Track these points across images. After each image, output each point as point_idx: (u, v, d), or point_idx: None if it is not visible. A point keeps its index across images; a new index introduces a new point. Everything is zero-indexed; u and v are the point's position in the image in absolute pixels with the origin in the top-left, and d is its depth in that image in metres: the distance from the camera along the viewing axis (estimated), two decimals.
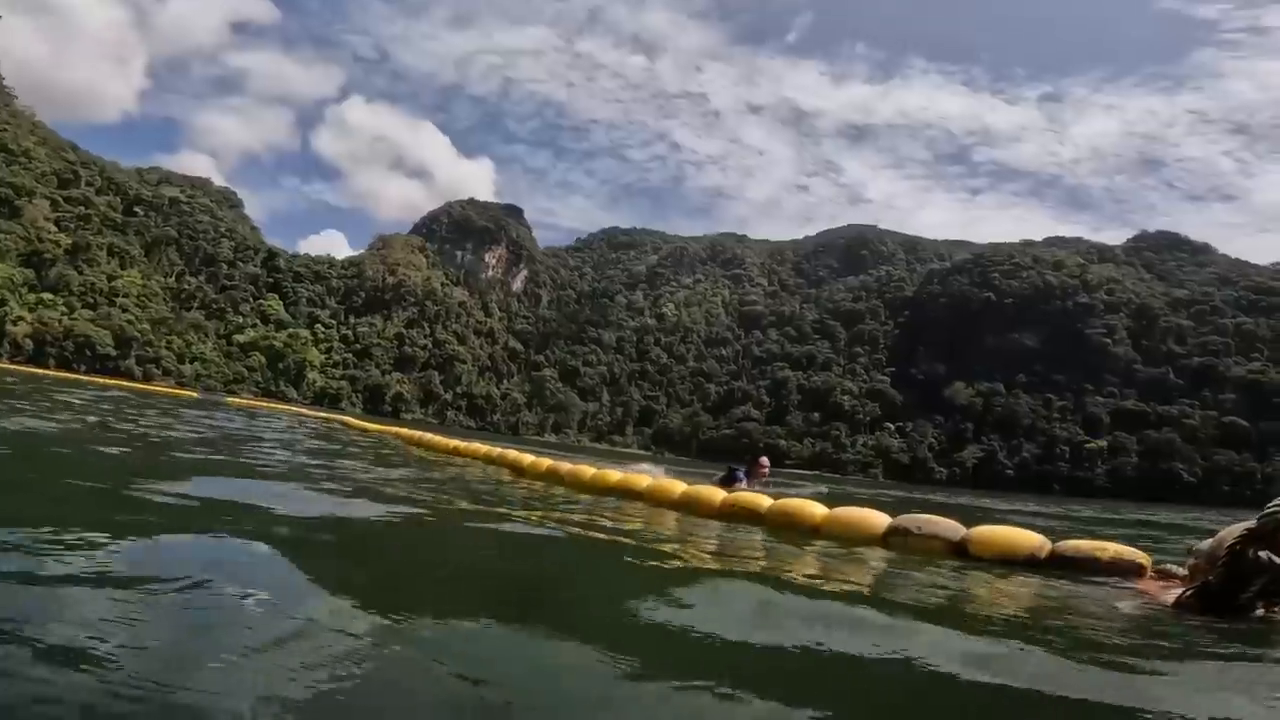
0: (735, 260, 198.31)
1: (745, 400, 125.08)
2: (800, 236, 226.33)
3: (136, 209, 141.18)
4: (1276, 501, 2.85)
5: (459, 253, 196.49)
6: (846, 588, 3.42)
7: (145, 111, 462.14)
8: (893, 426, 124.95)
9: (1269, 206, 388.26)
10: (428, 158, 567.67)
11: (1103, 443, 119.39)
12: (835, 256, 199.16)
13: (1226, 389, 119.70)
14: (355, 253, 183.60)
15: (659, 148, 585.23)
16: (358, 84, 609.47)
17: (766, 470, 11.23)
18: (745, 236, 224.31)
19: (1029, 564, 4.18)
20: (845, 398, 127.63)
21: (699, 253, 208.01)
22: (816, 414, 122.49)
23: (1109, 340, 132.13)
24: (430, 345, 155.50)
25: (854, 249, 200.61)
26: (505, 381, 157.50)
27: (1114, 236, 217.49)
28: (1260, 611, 2.94)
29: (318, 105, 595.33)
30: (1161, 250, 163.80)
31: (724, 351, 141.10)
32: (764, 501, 5.72)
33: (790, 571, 3.79)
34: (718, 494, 6.27)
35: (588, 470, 8.20)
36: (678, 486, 6.74)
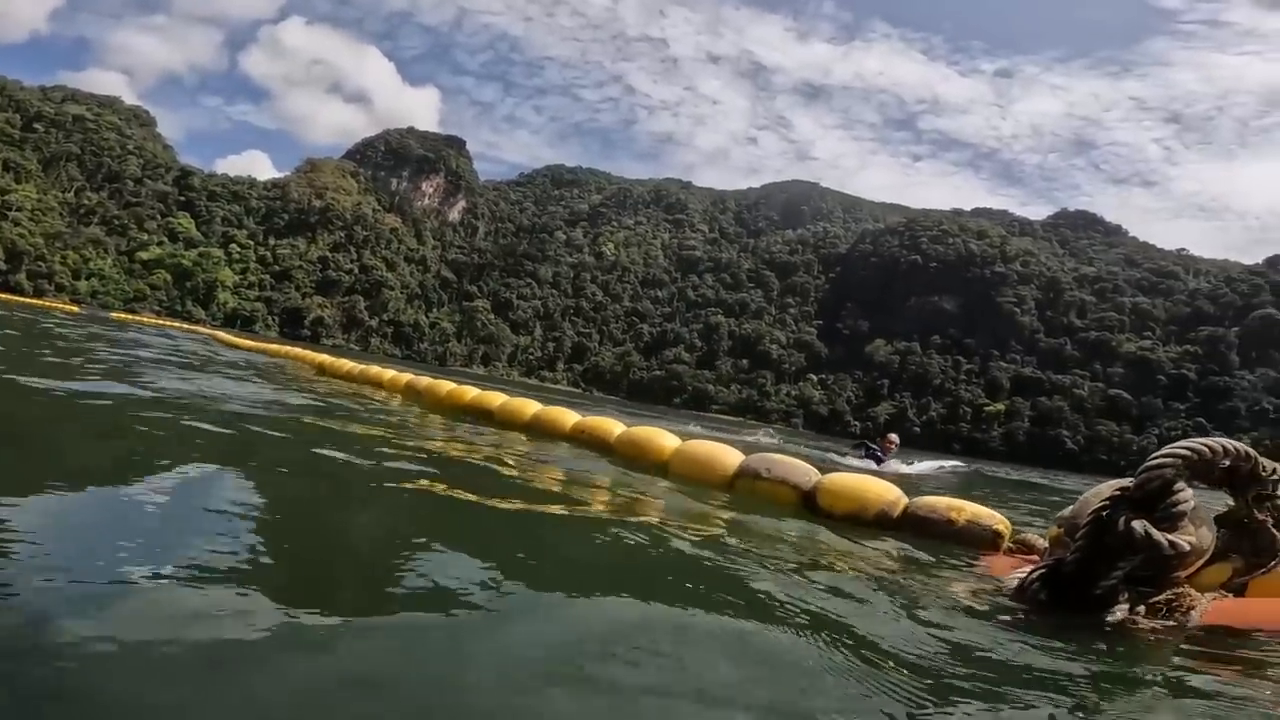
0: (678, 205, 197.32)
1: (677, 343, 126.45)
2: (744, 187, 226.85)
3: (36, 125, 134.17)
4: (1161, 454, 2.14)
5: (394, 180, 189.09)
6: (631, 553, 2.52)
7: (56, 31, 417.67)
8: (815, 378, 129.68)
9: (1185, 195, 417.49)
10: (370, 84, 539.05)
11: (1001, 406, 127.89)
12: (776, 209, 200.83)
13: (1116, 364, 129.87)
14: (280, 175, 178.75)
15: (613, 90, 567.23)
16: (299, 5, 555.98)
17: (895, 445, 12.72)
18: (690, 183, 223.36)
19: (880, 523, 3.74)
20: (774, 347, 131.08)
21: (643, 195, 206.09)
22: (745, 361, 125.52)
23: (1018, 309, 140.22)
24: (357, 270, 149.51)
25: (795, 204, 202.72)
26: (435, 310, 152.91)
27: (1037, 212, 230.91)
28: (1122, 611, 2.13)
29: (252, 26, 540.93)
30: (1078, 228, 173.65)
31: (660, 293, 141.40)
32: (614, 430, 5.38)
33: (595, 528, 2.94)
34: (569, 417, 5.93)
35: (444, 385, 7.96)
36: (529, 408, 6.41)
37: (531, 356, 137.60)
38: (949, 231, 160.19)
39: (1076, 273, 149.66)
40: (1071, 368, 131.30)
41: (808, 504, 3.96)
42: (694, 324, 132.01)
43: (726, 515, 3.62)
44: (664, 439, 4.99)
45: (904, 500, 3.80)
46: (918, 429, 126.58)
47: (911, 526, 3.67)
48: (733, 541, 2.91)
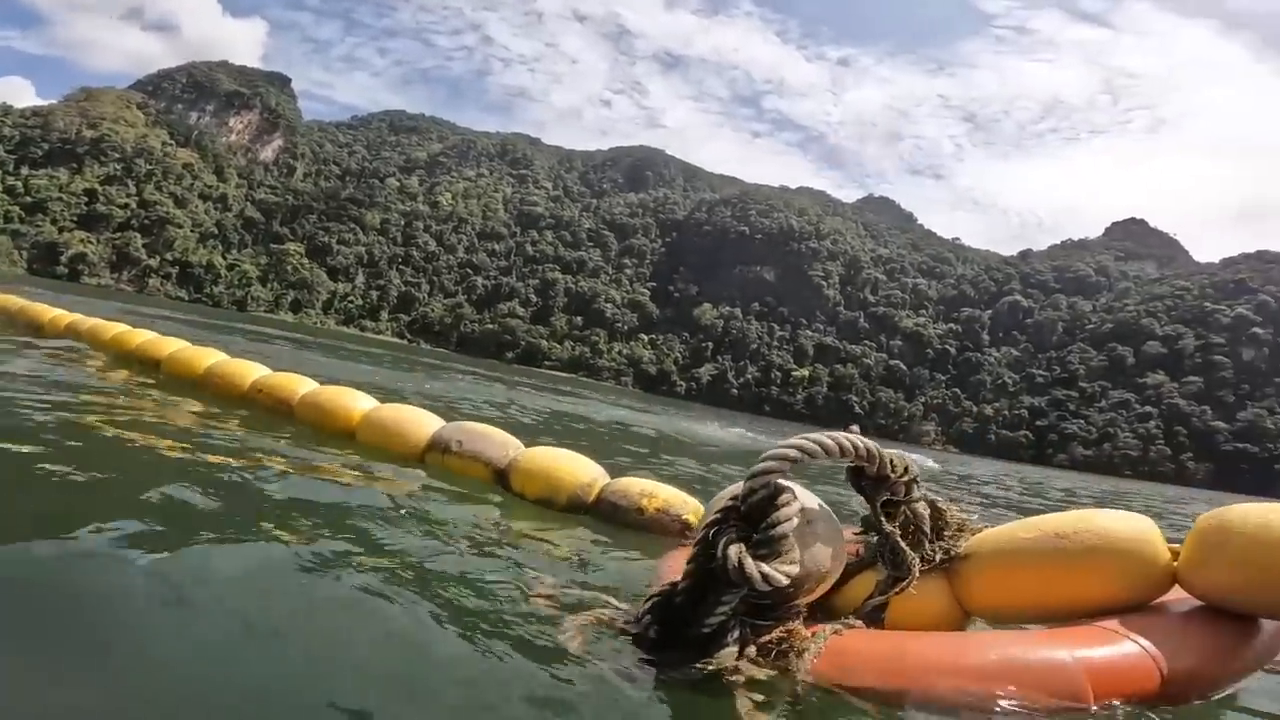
0: (524, 161, 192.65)
1: (512, 297, 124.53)
2: (593, 149, 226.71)
3: None
4: (766, 455, 1.70)
5: (195, 114, 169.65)
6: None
7: None
8: (647, 338, 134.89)
9: (965, 189, 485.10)
10: (180, 10, 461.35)
11: (806, 372, 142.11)
12: (621, 172, 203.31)
13: (897, 336, 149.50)
14: (45, 102, 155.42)
15: (469, 38, 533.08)
16: None
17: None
18: (539, 140, 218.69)
19: (573, 507, 3.30)
20: (608, 305, 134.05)
21: (488, 148, 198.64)
22: (580, 318, 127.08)
23: (825, 283, 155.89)
24: (134, 205, 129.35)
25: (640, 168, 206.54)
26: (236, 252, 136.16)
27: (849, 195, 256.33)
28: (729, 654, 1.62)
29: None
30: (879, 213, 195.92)
31: (498, 247, 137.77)
32: (299, 390, 4.54)
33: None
34: (250, 372, 4.92)
35: (110, 328, 6.81)
36: (206, 358, 5.36)
37: (351, 304, 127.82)
38: (775, 206, 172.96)
39: (874, 253, 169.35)
40: (862, 339, 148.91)
41: (501, 483, 3.48)
42: (530, 279, 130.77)
43: (407, 493, 3.07)
44: (352, 401, 4.25)
45: (602, 482, 3.39)
46: (735, 391, 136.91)
47: (606, 513, 3.25)
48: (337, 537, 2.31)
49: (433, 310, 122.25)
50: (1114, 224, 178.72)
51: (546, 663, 1.57)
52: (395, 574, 1.98)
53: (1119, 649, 1.61)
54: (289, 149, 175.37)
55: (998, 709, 1.50)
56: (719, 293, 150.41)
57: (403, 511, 2.73)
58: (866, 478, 1.96)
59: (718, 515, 1.69)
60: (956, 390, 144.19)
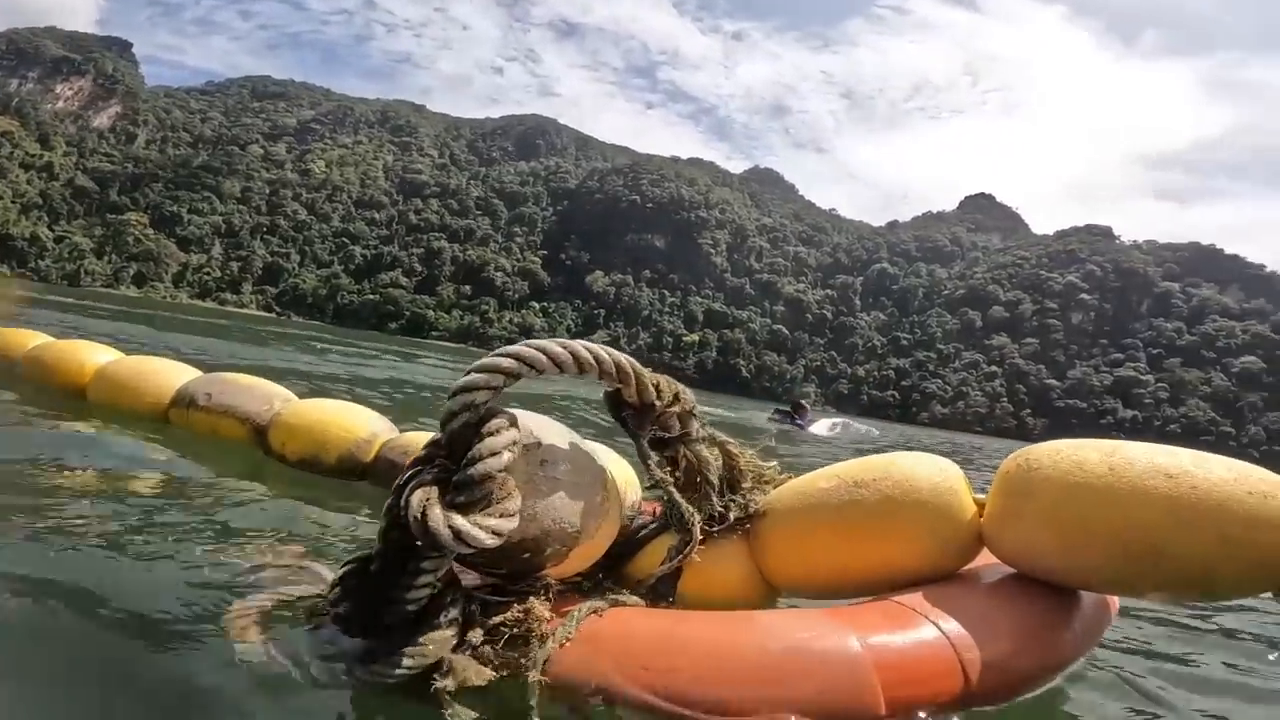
0: (408, 128, 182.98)
1: (395, 266, 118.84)
2: (482, 116, 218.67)
3: None
4: (471, 369, 1.25)
5: (16, 81, 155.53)
6: None
7: None
8: (538, 306, 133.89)
9: (842, 163, 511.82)
10: None
11: (696, 337, 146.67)
12: (512, 141, 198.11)
13: (779, 302, 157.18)
14: None
15: (349, 1, 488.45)
16: None
17: (808, 410, 13.84)
18: (424, 107, 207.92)
19: (345, 470, 2.71)
20: (498, 274, 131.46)
21: (368, 115, 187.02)
22: (469, 287, 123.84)
23: (713, 251, 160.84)
24: None
25: (531, 137, 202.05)
26: (65, 223, 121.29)
27: (737, 166, 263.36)
28: (442, 643, 1.19)
29: None
30: (765, 184, 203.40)
31: (377, 215, 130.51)
32: (27, 342, 3.86)
33: None
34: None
35: None
36: None
37: (208, 277, 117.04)
38: (666, 176, 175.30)
39: (759, 223, 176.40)
40: (748, 304, 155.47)
41: (261, 443, 2.90)
42: (415, 248, 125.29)
43: (129, 456, 2.59)
44: (88, 354, 3.57)
45: (385, 437, 2.78)
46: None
47: (387, 474, 2.61)
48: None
49: (304, 281, 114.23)
50: (967, 198, 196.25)
51: (195, 666, 1.17)
52: (60, 559, 1.51)
53: (916, 634, 1.25)
54: (128, 115, 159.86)
55: None
56: (611, 261, 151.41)
57: (113, 480, 2.26)
58: (627, 406, 1.49)
59: (422, 453, 1.24)
60: (833, 353, 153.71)
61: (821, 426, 14.80)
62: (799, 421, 12.84)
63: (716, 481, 1.57)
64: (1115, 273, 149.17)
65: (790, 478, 1.68)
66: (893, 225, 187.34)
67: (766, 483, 1.67)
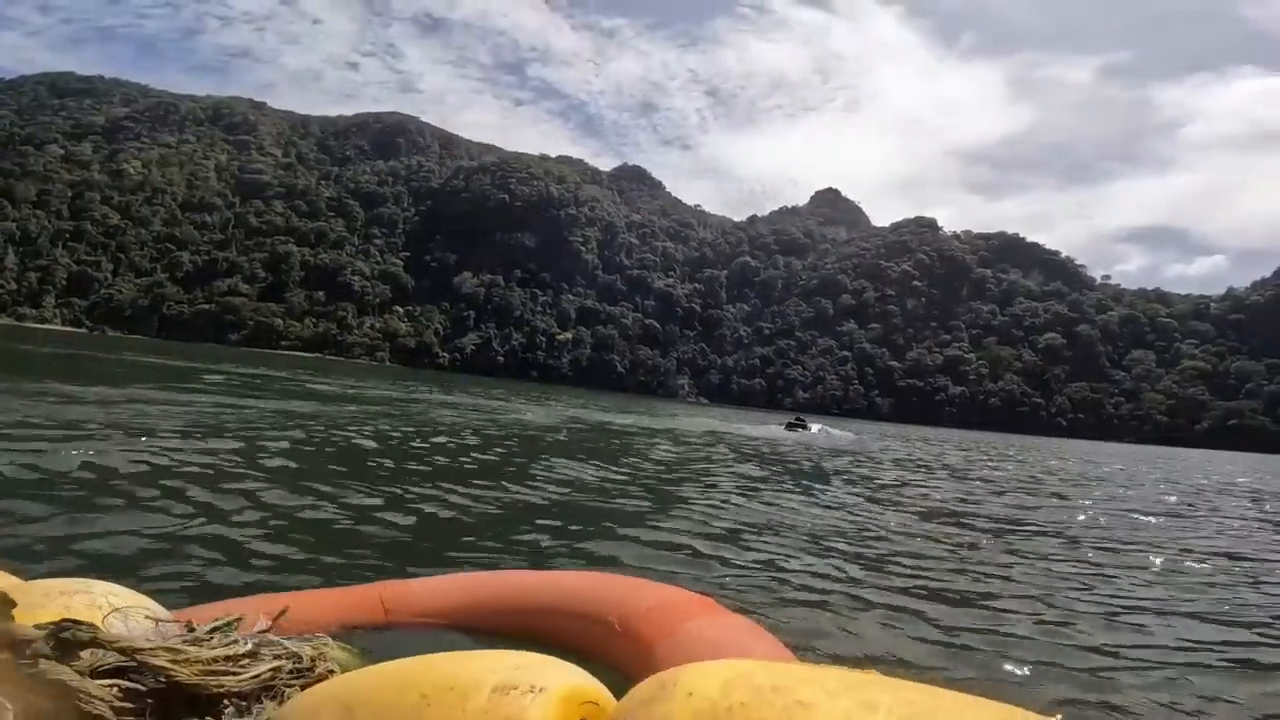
0: (245, 126, 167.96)
1: (233, 273, 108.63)
2: (334, 114, 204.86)
3: None
4: None
5: None
6: None
7: None
8: (402, 310, 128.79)
9: (706, 159, 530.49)
10: None
11: (569, 335, 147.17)
12: (368, 139, 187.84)
13: (650, 297, 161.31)
14: None
15: None
16: None
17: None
18: (265, 104, 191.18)
19: None
20: (356, 278, 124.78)
21: (196, 113, 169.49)
22: (322, 293, 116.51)
23: (583, 248, 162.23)
24: None
25: (390, 135, 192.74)
26: None
27: (606, 163, 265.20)
28: None
29: None
30: (633, 181, 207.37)
31: (209, 218, 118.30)
32: None
33: None
34: None
35: None
36: None
37: (1, 290, 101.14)
38: (535, 174, 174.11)
39: (629, 219, 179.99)
40: (620, 300, 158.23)
41: None
42: (256, 253, 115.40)
43: None
44: None
45: None
46: (501, 358, 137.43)
47: None
48: None
49: (121, 292, 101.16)
50: (817, 193, 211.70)
51: None
52: None
53: None
54: None
55: None
56: (479, 261, 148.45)
57: None
58: None
59: None
60: (703, 345, 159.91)
61: (817, 432, 20.38)
62: (807, 429, 18.85)
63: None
64: (940, 261, 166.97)
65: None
66: (752, 220, 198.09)
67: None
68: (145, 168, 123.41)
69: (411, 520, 4.29)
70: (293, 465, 5.74)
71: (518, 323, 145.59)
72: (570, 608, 1.66)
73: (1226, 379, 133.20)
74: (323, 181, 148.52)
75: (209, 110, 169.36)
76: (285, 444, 6.73)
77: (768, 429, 23.16)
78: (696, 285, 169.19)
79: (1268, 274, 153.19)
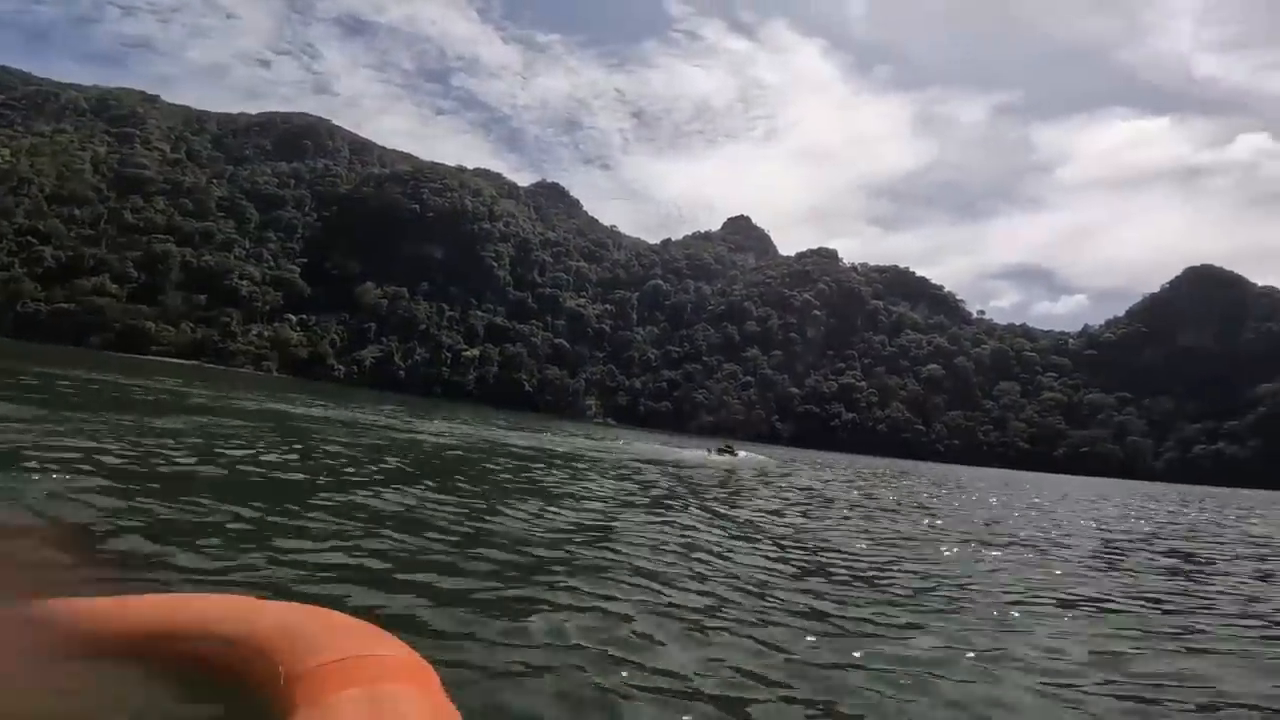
0: (133, 119, 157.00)
1: (100, 271, 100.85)
2: (236, 111, 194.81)
3: None
4: None
5: None
6: None
7: None
8: (295, 319, 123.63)
9: (626, 180, 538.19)
10: None
11: (476, 352, 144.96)
12: (272, 139, 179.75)
13: (561, 316, 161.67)
14: None
15: None
16: None
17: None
18: (158, 98, 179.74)
19: None
20: (244, 283, 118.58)
21: (78, 103, 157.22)
22: (204, 297, 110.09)
23: (495, 264, 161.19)
24: None
25: (297, 137, 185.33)
26: None
27: (524, 179, 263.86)
28: None
29: None
30: (551, 199, 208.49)
31: (78, 212, 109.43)
32: None
33: None
34: None
35: None
36: None
37: None
38: (450, 186, 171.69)
39: (544, 237, 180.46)
40: (530, 318, 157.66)
41: None
42: (130, 250, 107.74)
43: None
44: None
45: None
46: (403, 373, 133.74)
47: None
48: None
49: None
50: (729, 219, 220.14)
51: None
52: None
53: None
54: None
55: None
56: (385, 272, 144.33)
57: None
58: None
59: None
60: (612, 366, 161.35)
61: (742, 456, 27.27)
62: (735, 454, 25.70)
63: None
64: (838, 291, 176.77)
65: None
66: (666, 243, 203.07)
67: None
68: (13, 156, 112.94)
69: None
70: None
71: (422, 337, 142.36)
72: (197, 632, 1.63)
73: (1081, 410, 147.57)
74: (214, 180, 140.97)
75: (93, 101, 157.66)
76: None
77: (699, 454, 26.69)
78: (608, 306, 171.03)
79: (1120, 314, 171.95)
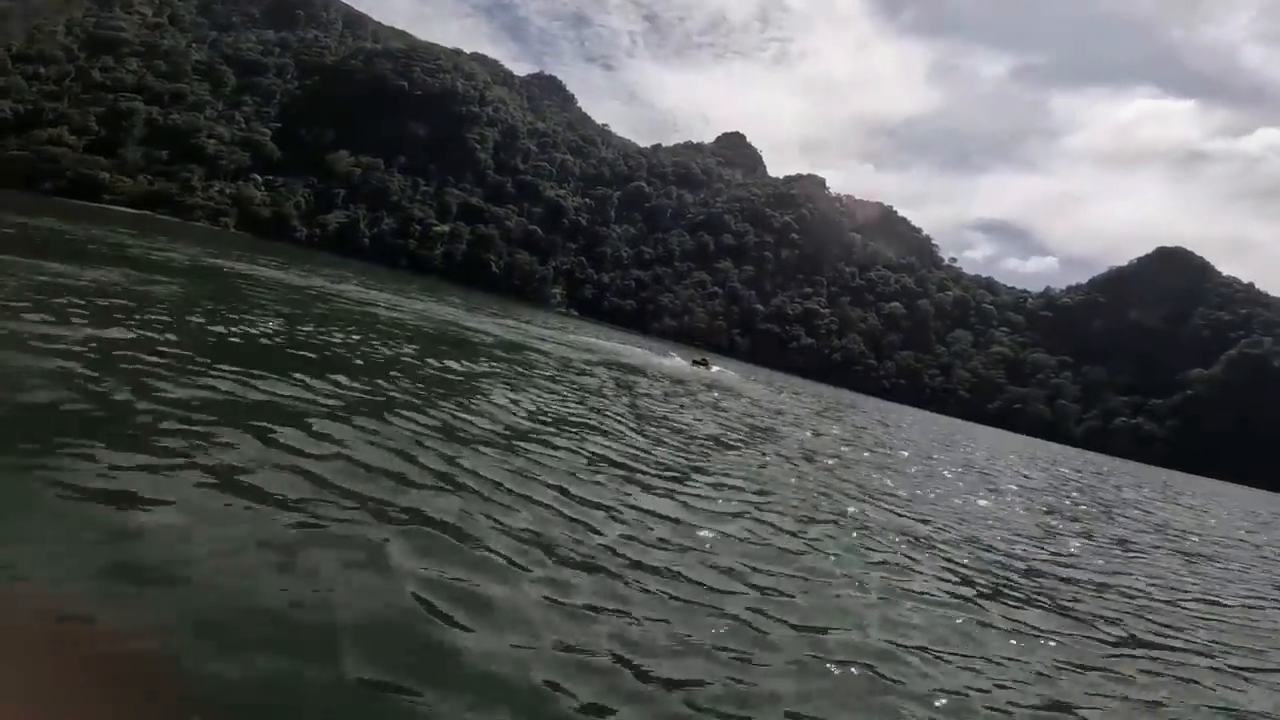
0: None
1: (60, 123, 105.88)
2: None
3: None
4: None
5: None
6: None
7: None
8: (260, 179, 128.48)
9: (626, 83, 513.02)
10: None
11: (446, 228, 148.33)
12: (260, 8, 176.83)
13: (540, 205, 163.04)
14: None
15: None
16: None
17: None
18: None
19: None
20: (211, 141, 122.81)
21: None
22: (165, 153, 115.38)
23: (479, 146, 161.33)
24: None
25: (287, 7, 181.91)
26: None
27: (523, 69, 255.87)
28: None
29: None
30: (546, 91, 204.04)
31: (44, 70, 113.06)
32: None
33: None
34: None
35: None
36: None
37: None
38: (444, 67, 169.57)
39: (531, 126, 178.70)
40: (507, 203, 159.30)
41: None
42: (94, 107, 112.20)
43: None
44: None
45: None
46: (367, 240, 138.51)
47: None
48: None
49: None
50: (723, 134, 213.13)
51: None
52: None
53: None
54: None
55: None
56: (362, 144, 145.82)
57: None
58: None
59: None
60: (583, 259, 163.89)
61: (717, 372, 32.11)
62: (709, 368, 30.50)
63: None
64: (820, 219, 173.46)
65: None
66: (656, 149, 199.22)
67: None
68: None
69: None
70: None
71: (393, 208, 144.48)
72: None
73: (1024, 368, 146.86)
74: (195, 45, 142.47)
75: None
76: None
77: (675, 363, 31.85)
78: (588, 200, 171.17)
79: (1084, 281, 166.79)
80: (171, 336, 8.72)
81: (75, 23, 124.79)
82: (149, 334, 8.54)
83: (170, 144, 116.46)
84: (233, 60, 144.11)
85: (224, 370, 7.64)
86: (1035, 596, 7.56)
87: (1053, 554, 10.21)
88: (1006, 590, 7.50)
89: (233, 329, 10.51)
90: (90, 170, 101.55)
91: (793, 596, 5.66)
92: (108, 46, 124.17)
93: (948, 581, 7.24)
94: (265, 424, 6.16)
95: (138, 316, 9.63)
